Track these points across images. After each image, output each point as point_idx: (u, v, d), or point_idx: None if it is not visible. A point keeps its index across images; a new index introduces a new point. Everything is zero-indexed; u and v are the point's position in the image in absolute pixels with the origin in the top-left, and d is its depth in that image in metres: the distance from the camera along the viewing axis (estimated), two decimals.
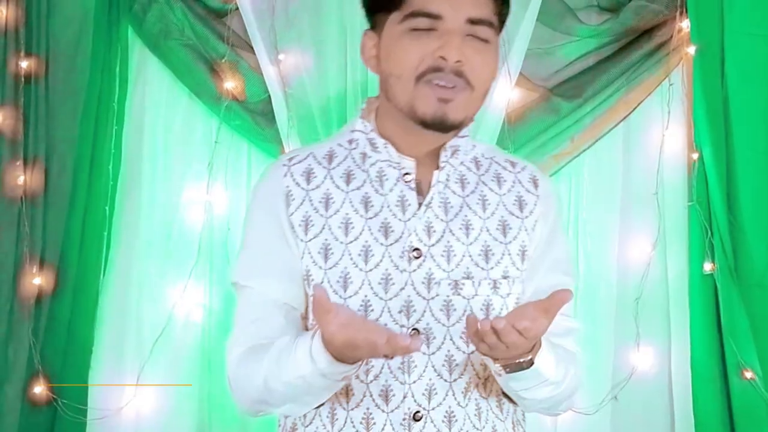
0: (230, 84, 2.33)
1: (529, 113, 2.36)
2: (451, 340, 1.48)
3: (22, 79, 2.35)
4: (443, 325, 1.47)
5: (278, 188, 1.54)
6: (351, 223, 1.52)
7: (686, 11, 2.33)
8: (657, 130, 2.39)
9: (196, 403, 2.38)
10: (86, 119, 2.34)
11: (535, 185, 1.60)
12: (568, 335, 1.61)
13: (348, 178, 1.56)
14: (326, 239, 1.52)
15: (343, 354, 1.35)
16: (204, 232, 2.34)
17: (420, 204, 1.52)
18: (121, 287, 2.31)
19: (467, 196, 1.56)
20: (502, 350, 1.38)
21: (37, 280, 2.25)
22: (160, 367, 2.33)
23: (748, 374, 2.33)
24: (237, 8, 2.35)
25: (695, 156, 2.36)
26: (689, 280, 2.37)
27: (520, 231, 1.56)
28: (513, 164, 1.62)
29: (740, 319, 2.33)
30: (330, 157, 1.57)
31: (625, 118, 2.39)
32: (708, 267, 2.34)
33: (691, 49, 2.33)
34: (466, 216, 1.54)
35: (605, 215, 2.35)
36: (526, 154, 2.23)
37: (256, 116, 2.35)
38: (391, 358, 1.40)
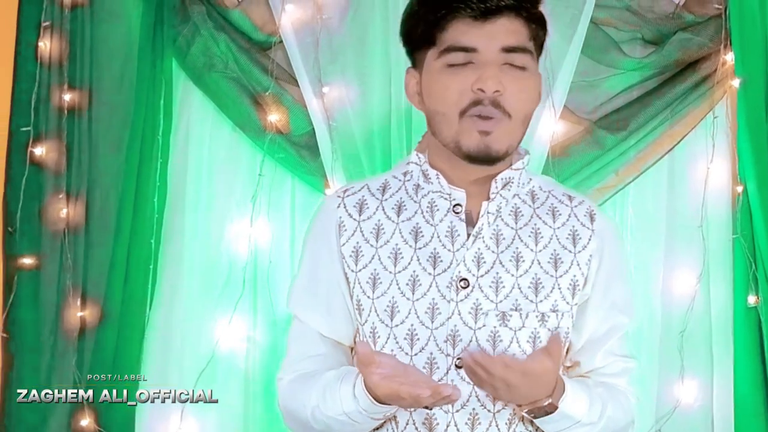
0: (274, 117, 2.32)
1: (574, 146, 2.35)
2: None
3: (66, 113, 2.34)
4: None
5: (332, 219, 1.58)
6: (400, 253, 1.54)
7: (730, 44, 2.30)
8: (701, 163, 2.37)
9: None
10: (130, 152, 2.33)
11: (591, 220, 1.59)
12: (623, 375, 1.63)
13: (399, 209, 1.58)
14: (375, 269, 1.54)
15: (385, 400, 1.39)
16: (248, 266, 2.33)
17: (469, 234, 1.53)
18: (165, 320, 2.30)
19: (520, 228, 1.56)
20: (497, 387, 1.40)
21: (81, 313, 2.24)
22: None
23: None
24: (281, 41, 2.33)
25: (740, 189, 2.33)
26: (734, 314, 2.34)
27: (572, 265, 1.56)
28: (570, 198, 1.62)
29: None
30: (384, 188, 1.61)
31: (669, 151, 2.36)
32: (752, 300, 2.31)
33: (736, 82, 2.31)
34: (517, 248, 1.54)
35: (650, 249, 2.33)
36: (570, 187, 2.18)
37: (300, 149, 2.34)
38: (431, 408, 1.43)
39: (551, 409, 1.48)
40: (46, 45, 2.33)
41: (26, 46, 2.33)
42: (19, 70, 2.34)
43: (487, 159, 1.50)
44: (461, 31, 1.47)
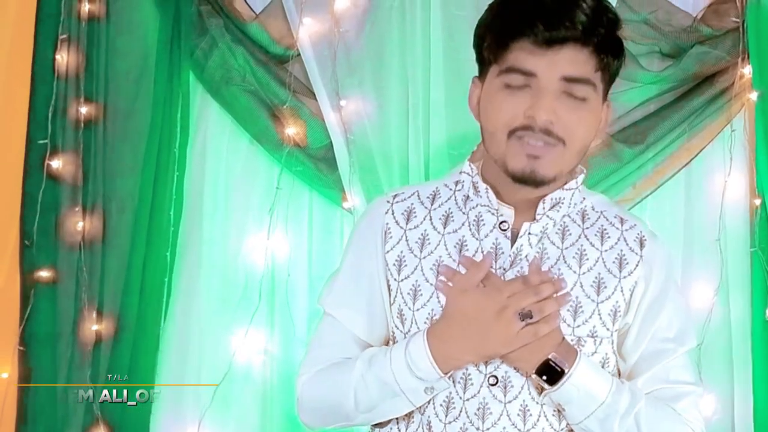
0: (292, 130, 2.33)
1: (591, 159, 2.31)
2: (528, 390, 1.49)
3: (82, 125, 2.35)
4: (522, 375, 1.48)
5: (378, 224, 1.58)
6: (443, 266, 1.53)
7: (748, 57, 2.29)
8: (719, 176, 2.36)
9: None
10: (147, 165, 2.34)
11: (641, 245, 1.56)
12: (675, 400, 1.57)
13: (447, 219, 1.58)
14: (417, 280, 1.54)
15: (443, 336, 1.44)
16: (265, 279, 2.32)
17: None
18: (181, 334, 2.30)
19: (566, 248, 1.55)
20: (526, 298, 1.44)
21: (96, 326, 2.24)
22: (220, 414, 2.32)
23: None
24: (299, 54, 2.35)
25: (757, 202, 2.32)
26: (752, 327, 2.32)
27: (615, 291, 1.53)
28: (623, 221, 1.59)
29: None
30: (434, 196, 1.60)
31: (687, 164, 2.36)
32: None
33: (753, 95, 2.30)
34: (560, 269, 1.53)
35: None
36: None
37: (317, 162, 2.34)
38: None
39: (559, 367, 1.46)
40: (63, 58, 2.33)
41: (43, 59, 2.34)
42: (36, 83, 2.34)
43: (533, 182, 1.49)
44: (524, 55, 1.45)
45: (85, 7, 2.34)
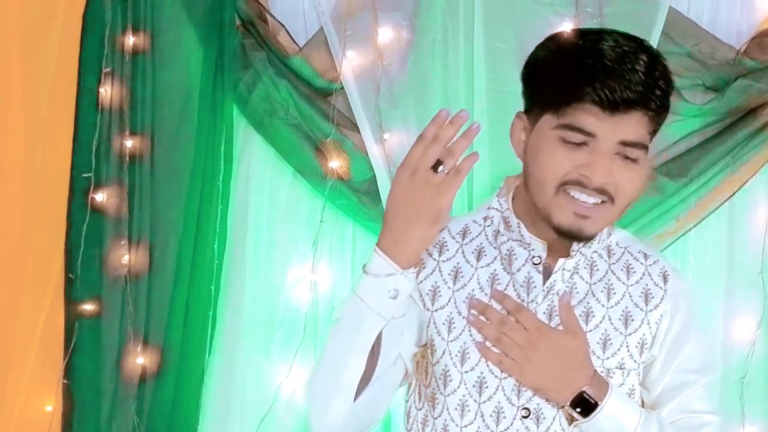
0: (335, 163, 2.35)
1: None
2: (560, 423, 1.51)
3: (127, 159, 2.38)
4: (553, 407, 1.50)
5: None
6: (474, 300, 1.54)
7: None
8: (762, 209, 2.39)
9: None
10: (191, 198, 2.37)
11: (665, 280, 1.59)
12: (702, 428, 1.60)
13: (479, 254, 1.58)
14: (450, 312, 1.55)
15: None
16: (309, 312, 2.35)
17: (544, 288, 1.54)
18: (226, 367, 2.32)
19: (594, 283, 1.56)
20: (522, 347, 1.47)
21: (140, 359, 2.26)
22: None
23: None
24: (342, 88, 2.38)
25: None
26: None
27: (642, 323, 1.56)
28: (646, 256, 1.62)
29: None
30: (464, 232, 1.61)
31: (730, 197, 2.38)
32: None
33: None
34: (588, 303, 1.55)
35: (710, 295, 2.36)
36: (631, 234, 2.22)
37: (361, 195, 2.36)
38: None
39: (593, 400, 1.48)
40: (107, 91, 2.37)
41: (87, 93, 2.37)
42: (80, 116, 2.37)
43: (578, 239, 1.51)
44: (587, 115, 1.45)
45: (129, 41, 2.38)
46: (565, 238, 1.51)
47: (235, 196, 2.41)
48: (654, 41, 2.34)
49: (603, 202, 1.47)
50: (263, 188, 2.43)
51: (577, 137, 1.46)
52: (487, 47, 2.31)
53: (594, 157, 1.45)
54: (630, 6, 2.38)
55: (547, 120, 1.49)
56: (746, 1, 2.46)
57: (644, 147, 1.49)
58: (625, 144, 1.46)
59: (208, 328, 2.35)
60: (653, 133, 1.51)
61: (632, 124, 1.45)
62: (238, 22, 2.40)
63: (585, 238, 1.51)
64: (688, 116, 2.37)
